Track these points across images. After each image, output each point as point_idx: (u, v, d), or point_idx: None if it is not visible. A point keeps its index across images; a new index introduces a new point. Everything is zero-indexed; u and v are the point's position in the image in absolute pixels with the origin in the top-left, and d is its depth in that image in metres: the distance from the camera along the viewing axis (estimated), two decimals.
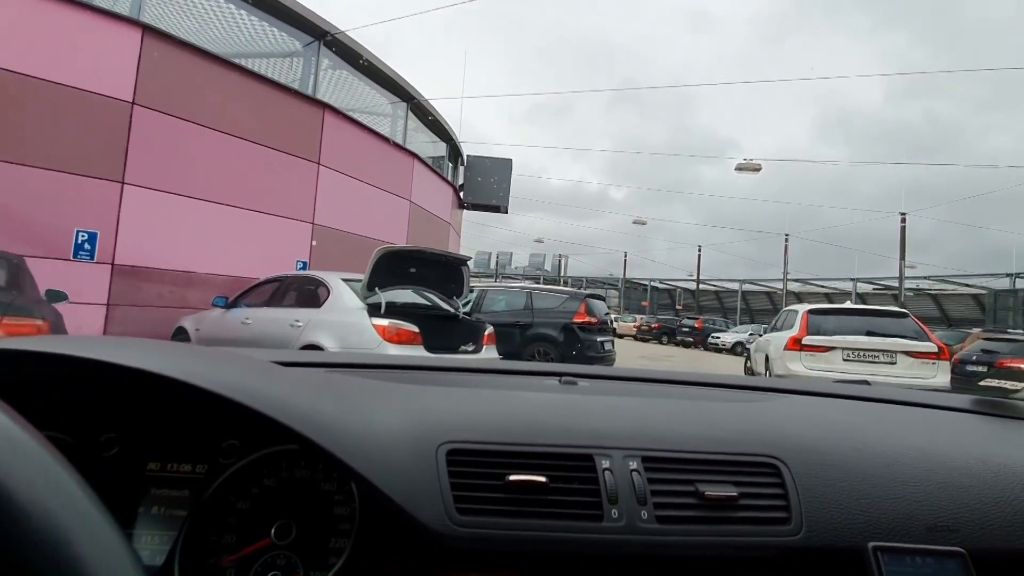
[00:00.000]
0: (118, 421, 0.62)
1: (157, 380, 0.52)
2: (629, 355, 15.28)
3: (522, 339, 7.77)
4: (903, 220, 18.39)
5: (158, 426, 0.63)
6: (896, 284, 28.99)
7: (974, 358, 9.92)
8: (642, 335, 25.96)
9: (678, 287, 43.94)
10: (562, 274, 50.53)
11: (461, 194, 16.17)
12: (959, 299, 30.52)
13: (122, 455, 0.61)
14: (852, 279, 33.18)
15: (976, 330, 11.78)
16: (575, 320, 7.69)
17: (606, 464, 0.62)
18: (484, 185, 15.78)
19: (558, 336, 7.65)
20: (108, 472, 0.60)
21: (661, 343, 24.59)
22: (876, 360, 6.33)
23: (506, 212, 17.81)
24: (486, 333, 5.28)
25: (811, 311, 7.03)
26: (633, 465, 0.62)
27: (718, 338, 21.69)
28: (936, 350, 6.26)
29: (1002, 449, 0.77)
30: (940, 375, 6.08)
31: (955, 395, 1.05)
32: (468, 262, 5.39)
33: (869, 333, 6.48)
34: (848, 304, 8.56)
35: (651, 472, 0.62)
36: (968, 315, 28.83)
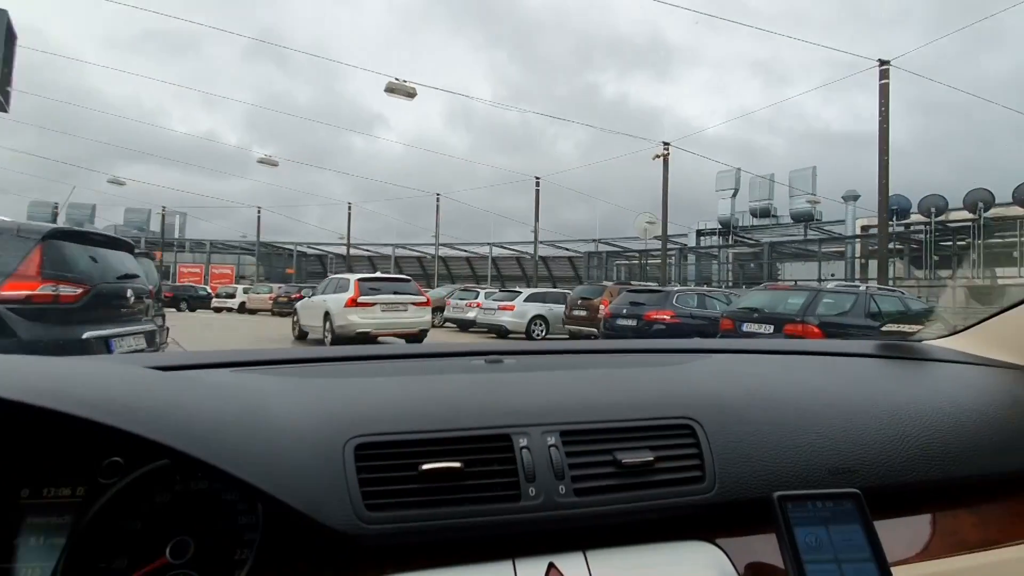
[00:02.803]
0: None
1: (9, 404, 0.47)
2: (233, 343, 10.73)
3: None
4: (537, 184, 19.37)
5: (26, 449, 0.57)
6: (520, 249, 33.48)
7: (624, 311, 9.85)
8: (280, 308, 20.94)
9: (330, 252, 40.06)
10: (177, 236, 39.73)
11: None
12: (560, 261, 37.12)
13: None
14: (489, 243, 36.60)
15: (610, 283, 12.26)
16: (4, 293, 3.02)
17: (524, 442, 0.60)
18: None
19: None
20: None
21: None
22: (399, 309, 9.61)
23: (5, 110, 10.14)
24: None
25: (360, 279, 9.76)
26: (551, 440, 0.61)
27: None
28: (425, 300, 10.02)
29: (901, 389, 0.82)
30: (427, 315, 9.93)
31: (858, 342, 1.09)
32: None
33: (395, 292, 9.73)
34: (379, 274, 11.94)
35: (569, 446, 0.61)
36: (566, 274, 34.96)
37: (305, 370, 0.81)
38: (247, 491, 0.54)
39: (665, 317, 8.53)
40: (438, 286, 22.72)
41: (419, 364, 0.92)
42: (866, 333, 6.46)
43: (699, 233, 28.62)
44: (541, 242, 36.06)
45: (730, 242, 26.65)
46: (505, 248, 36.78)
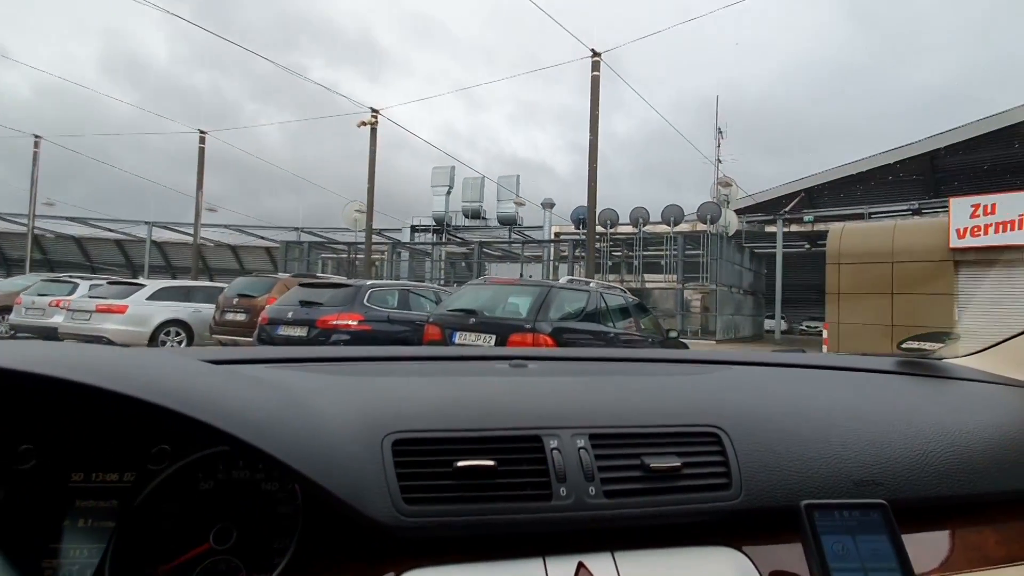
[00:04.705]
0: (35, 431, 0.59)
1: (74, 387, 0.48)
2: None
3: None
4: (202, 140, 14.30)
5: (80, 435, 0.59)
6: (186, 231, 26.46)
7: (289, 315, 6.65)
8: None
9: None
10: None
11: None
12: (255, 251, 31.05)
13: (41, 467, 0.58)
14: (147, 223, 27.90)
15: (285, 275, 8.84)
16: None
17: (554, 444, 0.62)
18: None
19: None
20: (26, 486, 0.57)
21: None
22: None
23: None
24: None
25: None
26: (581, 443, 0.63)
27: None
28: None
29: (923, 406, 0.83)
30: None
31: (881, 358, 1.11)
32: None
33: None
34: None
35: (598, 449, 0.63)
36: (264, 267, 29.38)
37: (340, 368, 0.84)
38: (294, 479, 0.56)
39: (350, 323, 5.84)
40: (31, 272, 14.89)
41: (446, 366, 0.96)
42: (602, 337, 5.07)
43: (413, 229, 27.22)
44: (228, 227, 29.24)
45: (443, 240, 26.03)
46: (172, 230, 28.53)
